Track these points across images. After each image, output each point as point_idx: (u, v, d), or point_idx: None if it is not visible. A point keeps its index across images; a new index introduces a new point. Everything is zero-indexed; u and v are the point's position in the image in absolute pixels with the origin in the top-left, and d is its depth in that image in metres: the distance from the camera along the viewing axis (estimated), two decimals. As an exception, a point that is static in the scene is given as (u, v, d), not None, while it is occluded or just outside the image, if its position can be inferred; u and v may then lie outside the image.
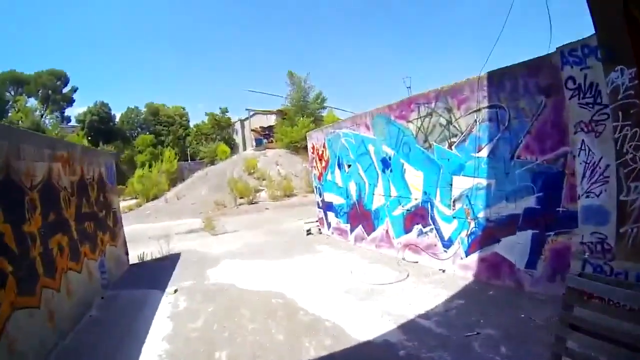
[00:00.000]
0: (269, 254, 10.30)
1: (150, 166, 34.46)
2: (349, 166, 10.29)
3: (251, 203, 22.84)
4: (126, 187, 34.55)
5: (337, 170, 10.93)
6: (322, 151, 11.66)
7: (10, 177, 4.99)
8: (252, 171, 28.02)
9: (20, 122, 40.37)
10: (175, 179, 35.38)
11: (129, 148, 51.86)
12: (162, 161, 36.88)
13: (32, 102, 49.16)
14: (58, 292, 5.88)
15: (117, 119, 56.37)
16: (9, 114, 44.50)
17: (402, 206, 8.43)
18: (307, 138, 12.98)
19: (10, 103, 47.56)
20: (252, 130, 43.35)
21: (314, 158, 12.50)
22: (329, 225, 11.96)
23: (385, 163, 8.76)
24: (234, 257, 10.35)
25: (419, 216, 8.00)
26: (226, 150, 39.37)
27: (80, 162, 7.97)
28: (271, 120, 41.45)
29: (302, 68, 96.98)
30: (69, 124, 52.92)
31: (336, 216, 11.33)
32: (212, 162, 37.80)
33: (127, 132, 56.73)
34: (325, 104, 38.89)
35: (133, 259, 11.13)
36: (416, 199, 8.02)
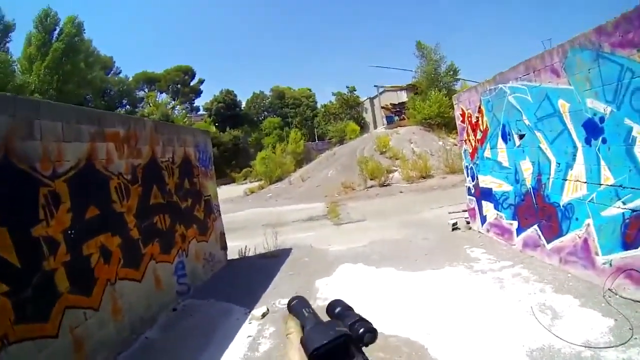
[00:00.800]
0: (403, 258, 7.67)
1: (274, 147, 33.82)
2: (522, 136, 6.95)
3: (383, 185, 20.17)
4: (251, 169, 34.78)
5: (500, 143, 7.64)
6: (477, 118, 8.41)
7: (10, 163, 3.70)
8: (384, 150, 25.27)
9: (151, 115, 43.52)
10: (301, 160, 34.70)
11: (256, 131, 53.21)
12: (287, 142, 36.37)
13: (163, 97, 53.95)
14: (96, 312, 4.49)
15: (244, 105, 58.60)
16: (142, 109, 48.59)
17: (623, 203, 4.95)
18: (455, 102, 9.79)
19: (143, 101, 52.19)
20: (382, 107, 40.74)
21: (464, 128, 9.26)
22: (483, 219, 8.74)
23: (592, 128, 5.28)
24: (356, 261, 7.98)
25: (658, 221, 4.56)
26: (355, 129, 37.10)
27: (149, 142, 6.50)
28: (402, 96, 38.57)
29: (431, 39, 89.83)
30: (197, 113, 56.87)
31: (496, 208, 8.07)
32: (341, 142, 36.06)
33: (254, 117, 58.43)
34: (458, 76, 34.68)
35: (234, 253, 9.44)
36: (657, 192, 4.57)
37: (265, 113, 60.20)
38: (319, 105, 56.48)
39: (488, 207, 8.41)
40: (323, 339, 0.71)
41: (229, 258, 9.36)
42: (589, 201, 5.53)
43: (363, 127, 42.23)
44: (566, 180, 5.95)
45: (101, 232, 4.83)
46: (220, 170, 30.86)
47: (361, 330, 0.76)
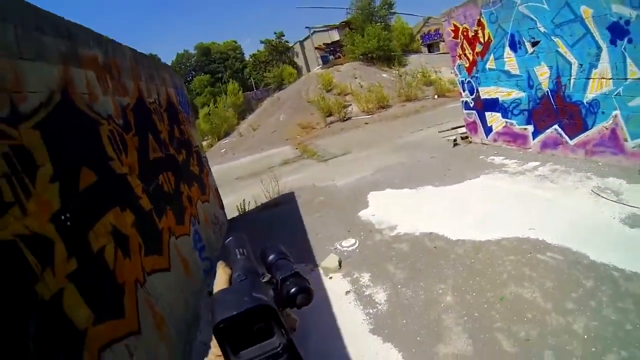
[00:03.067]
0: (429, 176, 7.75)
1: (215, 103, 32.39)
2: (535, 44, 7.28)
3: (344, 120, 20.27)
4: (193, 131, 33.52)
5: (507, 53, 7.92)
6: (476, 31, 8.60)
7: None
8: (329, 88, 25.15)
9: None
10: (243, 111, 33.69)
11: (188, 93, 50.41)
12: (226, 95, 35.06)
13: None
14: (138, 336, 3.02)
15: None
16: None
17: (652, 91, 5.56)
18: (444, 19, 9.85)
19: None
20: (316, 47, 40.15)
21: (457, 44, 9.44)
22: (487, 131, 9.19)
23: (618, 30, 5.71)
24: (381, 187, 7.88)
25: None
26: (293, 72, 36.60)
27: (132, 75, 4.86)
28: (334, 36, 38.18)
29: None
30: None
31: (504, 116, 8.50)
32: (280, 87, 35.25)
33: (182, 78, 55.12)
34: (393, 10, 35.25)
35: (231, 210, 8.67)
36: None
37: (193, 72, 56.65)
38: (247, 57, 54.89)
39: (494, 117, 8.83)
40: (232, 308, 0.56)
41: (228, 218, 8.51)
42: (616, 95, 6.04)
43: (297, 71, 41.65)
44: (590, 78, 6.41)
45: (107, 208, 3.17)
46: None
47: (293, 289, 0.64)
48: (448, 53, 10.30)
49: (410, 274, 4.47)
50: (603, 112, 6.36)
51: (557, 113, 7.19)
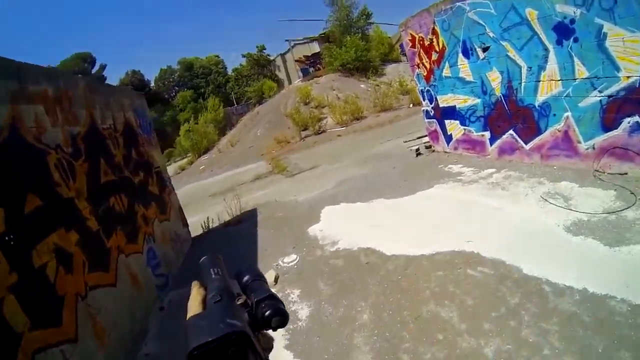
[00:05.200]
0: (385, 188, 7.61)
1: (195, 119, 32.18)
2: (485, 49, 7.15)
3: (318, 133, 20.05)
4: (174, 147, 32.90)
5: (461, 60, 7.78)
6: (431, 39, 8.45)
7: None
8: (307, 100, 25.07)
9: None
10: (224, 127, 33.58)
11: (170, 109, 50.11)
12: (206, 111, 35.00)
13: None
14: (74, 344, 3.28)
15: (152, 84, 54.62)
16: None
17: (600, 91, 5.38)
18: (401, 29, 9.72)
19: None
20: (296, 60, 40.23)
21: (415, 53, 9.31)
22: (448, 139, 9.00)
23: (563, 30, 5.60)
24: (336, 202, 7.69)
25: (632, 103, 5.02)
26: (272, 86, 36.40)
27: (85, 104, 5.17)
28: (314, 47, 38.32)
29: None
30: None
31: (462, 124, 8.33)
32: (260, 102, 35.12)
33: (165, 94, 54.75)
34: (371, 20, 35.20)
35: (196, 229, 8.70)
36: (629, 78, 4.96)
37: (176, 88, 56.27)
38: (229, 71, 54.90)
39: (453, 125, 8.66)
40: (207, 334, 0.55)
41: (192, 235, 8.60)
42: (565, 96, 5.91)
43: (278, 84, 41.57)
44: (539, 81, 6.28)
45: (52, 229, 3.52)
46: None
47: (268, 312, 0.64)
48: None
49: (337, 291, 4.35)
50: (554, 115, 6.22)
51: (511, 118, 7.03)
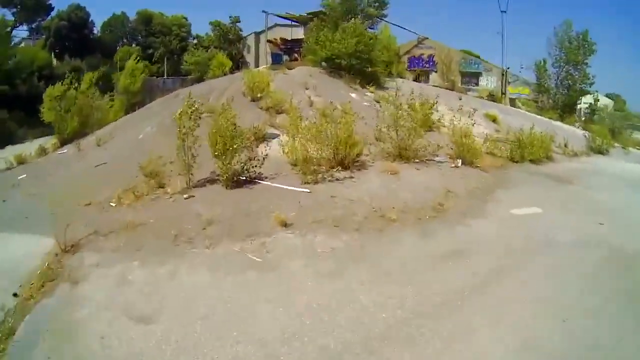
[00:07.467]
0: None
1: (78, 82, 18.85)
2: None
3: (236, 179, 8.32)
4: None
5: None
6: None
7: None
8: (259, 96, 13.78)
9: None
10: (137, 104, 22.40)
11: (105, 64, 38.38)
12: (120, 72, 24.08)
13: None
14: None
15: (98, 29, 45.55)
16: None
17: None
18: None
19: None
20: (269, 41, 29.65)
21: None
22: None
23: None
24: None
25: None
26: (225, 63, 24.53)
27: None
28: (298, 33, 28.62)
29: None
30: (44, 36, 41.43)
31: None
32: (200, 79, 23.46)
33: (110, 44, 44.65)
34: (385, 11, 25.28)
35: None
36: None
37: (125, 41, 46.49)
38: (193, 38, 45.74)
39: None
40: None
41: None
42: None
43: (241, 67, 30.21)
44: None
45: None
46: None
47: None
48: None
49: None
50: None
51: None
